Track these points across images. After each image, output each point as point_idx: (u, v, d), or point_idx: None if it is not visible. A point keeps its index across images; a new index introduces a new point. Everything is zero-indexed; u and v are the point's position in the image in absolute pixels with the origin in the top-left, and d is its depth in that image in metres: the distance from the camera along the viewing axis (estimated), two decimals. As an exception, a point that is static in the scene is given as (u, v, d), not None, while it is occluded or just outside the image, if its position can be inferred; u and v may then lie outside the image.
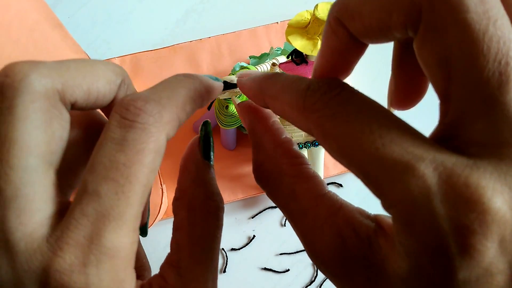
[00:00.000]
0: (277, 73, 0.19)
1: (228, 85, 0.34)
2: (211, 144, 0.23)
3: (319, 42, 0.31)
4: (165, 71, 0.49)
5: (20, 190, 0.17)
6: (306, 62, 0.34)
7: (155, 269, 0.41)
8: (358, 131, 0.15)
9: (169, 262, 0.21)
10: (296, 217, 0.19)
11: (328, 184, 0.48)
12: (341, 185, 0.48)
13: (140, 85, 0.48)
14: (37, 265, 0.17)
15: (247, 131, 0.23)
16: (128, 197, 0.17)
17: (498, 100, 0.13)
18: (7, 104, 0.16)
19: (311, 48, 0.31)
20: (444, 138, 0.14)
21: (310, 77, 0.38)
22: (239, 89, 0.23)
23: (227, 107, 0.36)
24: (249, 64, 0.44)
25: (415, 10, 0.14)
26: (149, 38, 0.51)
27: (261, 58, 0.45)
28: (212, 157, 0.23)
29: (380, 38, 0.16)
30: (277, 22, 0.50)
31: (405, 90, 0.22)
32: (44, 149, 0.17)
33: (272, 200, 0.20)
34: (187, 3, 0.52)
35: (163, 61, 0.49)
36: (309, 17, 0.32)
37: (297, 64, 0.35)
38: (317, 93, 0.16)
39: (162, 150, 0.19)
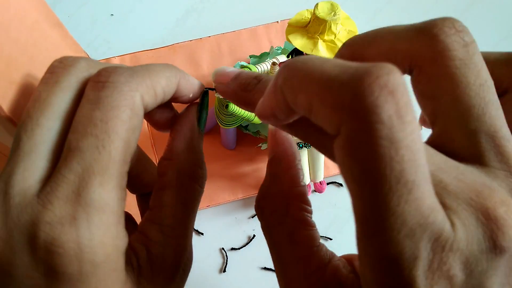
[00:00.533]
0: (250, 83, 0.20)
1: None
2: (207, 114, 0.24)
3: (320, 41, 0.31)
4: (165, 71, 0.49)
5: (37, 147, 0.19)
6: (306, 61, 0.34)
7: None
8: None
9: (150, 219, 0.21)
10: (287, 262, 0.20)
11: (328, 183, 0.48)
12: (341, 185, 0.48)
13: (140, 85, 0.48)
14: (27, 218, 0.17)
15: (268, 157, 0.23)
16: (110, 151, 0.18)
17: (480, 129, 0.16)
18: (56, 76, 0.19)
19: (311, 47, 0.31)
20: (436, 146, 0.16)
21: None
22: (219, 93, 0.23)
23: (227, 106, 0.36)
24: (249, 63, 0.43)
25: (406, 59, 0.17)
26: (149, 37, 0.50)
27: (261, 57, 0.45)
28: (203, 126, 0.24)
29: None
30: (277, 22, 0.50)
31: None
32: (69, 116, 0.19)
33: (265, 234, 0.21)
34: (187, 3, 0.52)
35: (163, 60, 0.49)
36: (310, 16, 0.32)
37: (297, 63, 0.35)
38: None
39: (140, 112, 0.20)
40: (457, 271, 0.14)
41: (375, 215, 0.14)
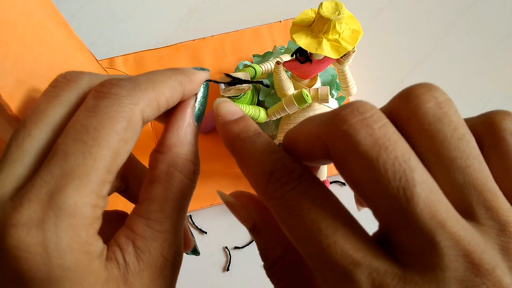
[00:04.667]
0: (247, 137, 0.20)
1: (233, 82, 0.34)
2: (204, 107, 0.24)
3: (324, 41, 0.31)
4: (168, 70, 0.49)
5: (24, 155, 0.19)
6: (310, 61, 0.34)
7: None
8: (308, 228, 0.16)
9: (137, 213, 0.21)
10: None
11: (331, 182, 0.48)
12: (344, 184, 0.48)
13: (144, 84, 0.48)
14: None
15: (248, 230, 0.22)
16: (95, 159, 0.18)
17: (411, 212, 0.14)
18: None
19: (315, 46, 0.31)
20: (383, 240, 0.16)
21: (312, 75, 0.38)
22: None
23: (231, 105, 0.36)
24: (252, 62, 0.44)
25: (326, 148, 0.16)
26: (152, 36, 0.51)
27: (265, 56, 0.45)
28: (200, 120, 0.24)
29: (314, 163, 0.19)
30: (280, 21, 0.50)
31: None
32: (63, 128, 0.19)
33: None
34: (190, 2, 0.52)
35: (166, 59, 0.49)
36: (314, 16, 0.32)
37: (301, 62, 0.35)
38: (277, 183, 0.17)
39: (137, 125, 0.19)
40: None
41: None
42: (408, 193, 0.14)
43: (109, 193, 0.20)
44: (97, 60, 0.40)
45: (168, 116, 0.23)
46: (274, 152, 0.18)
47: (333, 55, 0.32)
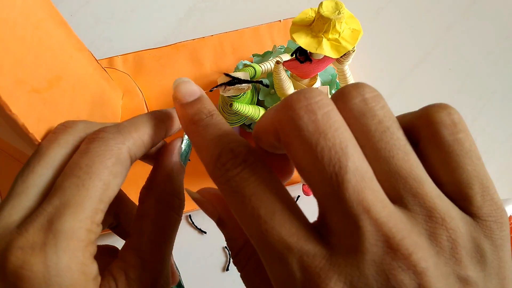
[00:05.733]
0: (200, 119, 0.21)
1: (233, 82, 0.34)
2: (190, 150, 0.26)
3: (324, 40, 0.31)
4: (168, 69, 0.48)
5: (28, 189, 0.21)
6: (310, 60, 0.34)
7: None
8: (249, 213, 0.17)
9: (129, 246, 0.23)
10: None
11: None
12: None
13: (143, 83, 0.48)
14: (3, 245, 0.20)
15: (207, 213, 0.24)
16: (88, 189, 0.20)
17: (341, 197, 0.15)
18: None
19: (315, 45, 0.31)
20: (319, 224, 0.17)
21: (312, 75, 0.38)
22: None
23: (231, 105, 0.36)
24: (252, 62, 0.43)
25: (277, 133, 0.18)
26: (152, 36, 0.50)
27: (264, 56, 0.45)
28: (185, 161, 0.26)
29: (276, 150, 0.20)
30: (280, 20, 0.50)
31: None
32: (62, 166, 0.22)
33: (245, 284, 0.21)
34: (189, 1, 0.52)
35: (166, 59, 0.49)
36: (314, 15, 0.32)
37: (301, 62, 0.34)
38: (222, 168, 0.18)
39: (125, 161, 0.22)
40: None
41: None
42: (339, 179, 0.15)
43: (102, 228, 0.22)
44: (96, 60, 0.40)
45: (158, 155, 0.26)
46: (223, 136, 0.19)
47: (333, 55, 0.32)
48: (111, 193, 0.22)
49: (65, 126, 0.24)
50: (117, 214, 0.27)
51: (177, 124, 0.25)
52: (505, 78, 0.51)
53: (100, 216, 0.21)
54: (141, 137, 0.23)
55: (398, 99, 0.50)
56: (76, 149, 0.23)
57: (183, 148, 0.26)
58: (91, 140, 0.22)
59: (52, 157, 0.22)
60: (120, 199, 0.27)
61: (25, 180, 0.22)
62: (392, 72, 0.51)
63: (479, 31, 0.53)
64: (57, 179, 0.21)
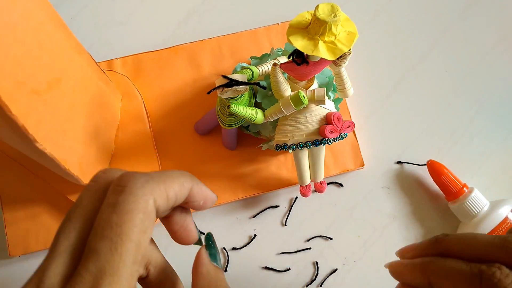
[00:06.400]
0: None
1: (230, 84, 0.34)
2: (217, 249, 0.28)
3: (320, 42, 0.32)
4: (167, 72, 0.49)
5: (71, 247, 0.22)
6: (307, 62, 0.35)
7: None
8: None
9: None
10: None
11: (328, 184, 0.48)
12: (341, 185, 0.48)
13: (142, 86, 0.48)
14: None
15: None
16: (121, 254, 0.21)
17: None
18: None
19: (312, 48, 0.32)
20: None
21: (309, 77, 0.38)
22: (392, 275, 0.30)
23: (228, 106, 0.36)
24: (250, 64, 0.44)
25: None
26: (151, 39, 0.51)
27: (262, 58, 0.45)
28: (218, 260, 0.28)
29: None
30: (277, 23, 0.50)
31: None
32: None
33: None
34: (188, 5, 0.52)
35: (165, 61, 0.49)
36: (310, 18, 0.32)
37: (298, 64, 0.35)
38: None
39: (152, 214, 0.23)
40: None
41: None
42: None
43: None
44: (95, 62, 0.40)
45: (193, 267, 0.28)
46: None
47: (329, 57, 0.32)
48: (143, 250, 0.23)
49: (106, 175, 0.24)
50: (146, 265, 0.28)
51: (201, 193, 0.26)
52: (501, 80, 0.52)
53: (135, 279, 0.23)
54: (167, 190, 0.23)
55: (395, 101, 0.51)
56: (101, 199, 0.23)
57: (208, 252, 0.28)
58: (119, 191, 0.22)
59: (93, 212, 0.23)
60: (149, 250, 0.28)
61: (67, 237, 0.22)
62: (389, 75, 0.52)
63: (475, 33, 0.53)
64: (90, 227, 0.22)
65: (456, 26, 0.53)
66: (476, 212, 0.44)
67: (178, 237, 0.27)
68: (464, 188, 0.46)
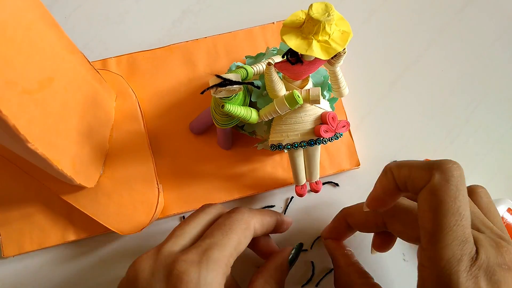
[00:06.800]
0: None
1: (224, 83, 0.34)
2: (296, 259, 0.38)
3: (314, 42, 0.32)
4: (161, 71, 0.49)
5: (184, 235, 0.33)
6: (301, 62, 0.35)
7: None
8: None
9: None
10: None
11: (324, 183, 0.48)
12: (337, 185, 0.48)
13: (137, 85, 0.48)
14: (169, 261, 0.30)
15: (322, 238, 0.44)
16: (229, 239, 0.32)
17: None
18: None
19: (305, 47, 0.32)
20: None
21: (304, 76, 0.38)
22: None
23: (222, 106, 0.36)
24: (245, 64, 0.44)
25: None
26: (146, 38, 0.51)
27: (257, 58, 0.45)
28: (291, 267, 0.38)
29: (365, 230, 0.39)
30: (273, 23, 0.50)
31: (381, 245, 0.40)
32: (206, 227, 0.35)
33: None
34: (183, 4, 0.52)
35: (159, 60, 0.49)
36: (304, 17, 0.32)
37: (292, 63, 0.35)
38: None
39: (252, 230, 0.34)
40: (482, 279, 0.26)
41: (440, 230, 0.27)
42: None
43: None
44: (89, 62, 0.40)
45: (272, 254, 0.38)
46: None
47: (323, 56, 0.32)
48: (241, 248, 0.33)
49: (212, 206, 0.37)
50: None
51: (284, 225, 0.40)
52: (497, 79, 0.52)
53: (232, 260, 0.32)
54: (262, 219, 0.36)
55: (391, 101, 0.51)
56: (215, 218, 0.35)
57: (290, 255, 0.38)
58: (232, 212, 0.35)
59: (200, 218, 0.35)
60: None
61: (182, 228, 0.34)
62: (384, 75, 0.51)
63: (471, 32, 0.53)
64: (205, 231, 0.33)
65: (452, 25, 0.53)
66: None
67: (264, 254, 0.39)
68: None
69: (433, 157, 0.49)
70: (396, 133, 0.50)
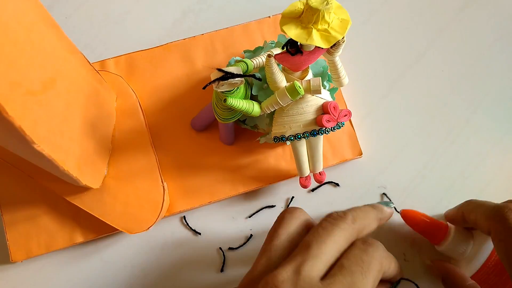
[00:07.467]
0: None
1: (226, 77, 0.34)
2: None
3: (314, 31, 0.32)
4: (160, 69, 0.49)
5: (321, 255, 0.31)
6: (301, 52, 0.35)
7: (151, 266, 0.42)
8: None
9: None
10: None
11: (325, 183, 0.48)
12: (337, 185, 0.48)
13: (136, 84, 0.48)
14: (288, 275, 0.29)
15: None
16: (368, 280, 0.30)
17: None
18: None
19: (305, 36, 0.32)
20: None
21: (304, 67, 0.38)
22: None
23: (224, 100, 0.36)
24: (243, 58, 0.44)
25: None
26: (146, 38, 0.51)
27: (256, 51, 0.45)
28: None
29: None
30: (269, 17, 0.50)
31: None
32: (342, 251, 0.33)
33: None
34: (183, 4, 0.52)
35: (158, 59, 0.49)
36: (302, 7, 0.32)
37: (292, 54, 0.35)
38: None
39: (380, 276, 0.32)
40: None
41: None
42: None
43: None
44: (89, 62, 0.40)
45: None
46: None
47: (323, 45, 0.32)
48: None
49: (294, 211, 0.35)
50: None
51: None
52: (497, 79, 0.52)
53: (327, 267, 0.31)
54: (389, 263, 0.33)
55: (392, 100, 0.51)
56: (303, 224, 0.34)
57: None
58: (368, 245, 0.32)
59: (337, 245, 0.32)
60: None
61: (319, 247, 0.31)
62: (385, 74, 0.51)
63: (471, 33, 0.53)
64: (341, 254, 0.32)
65: (453, 25, 0.53)
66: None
67: None
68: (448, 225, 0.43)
69: (433, 158, 0.49)
70: (396, 133, 0.50)
